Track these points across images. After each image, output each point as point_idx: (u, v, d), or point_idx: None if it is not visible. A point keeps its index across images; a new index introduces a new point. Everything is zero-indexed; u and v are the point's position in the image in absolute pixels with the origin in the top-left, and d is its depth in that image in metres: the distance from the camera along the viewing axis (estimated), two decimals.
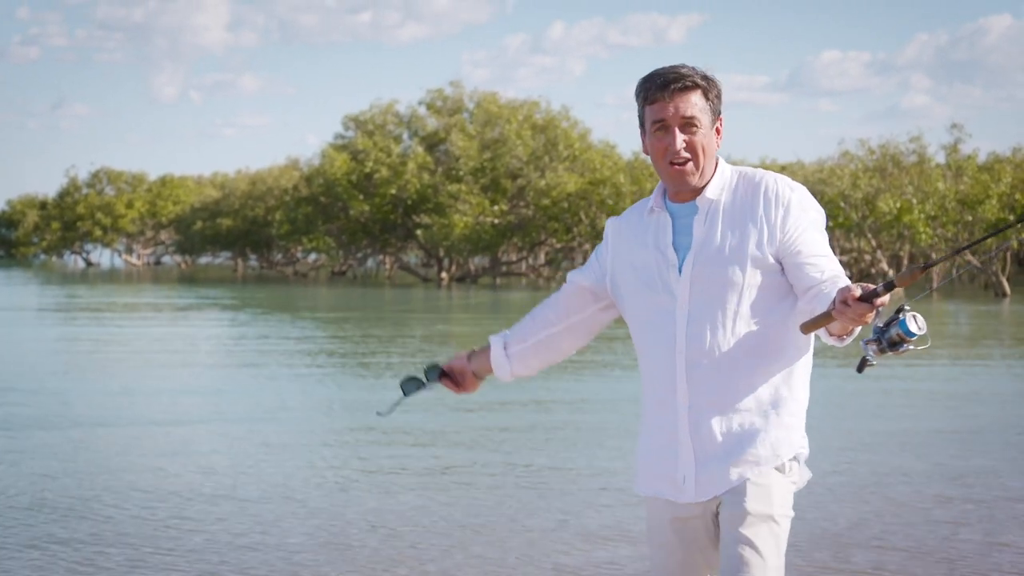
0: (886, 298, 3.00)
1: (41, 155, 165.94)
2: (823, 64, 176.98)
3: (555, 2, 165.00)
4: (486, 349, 3.67)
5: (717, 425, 3.35)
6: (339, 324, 27.75)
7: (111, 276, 66.76)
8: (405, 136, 58.98)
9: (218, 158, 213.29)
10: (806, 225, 3.32)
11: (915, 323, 2.98)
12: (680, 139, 3.33)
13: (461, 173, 54.44)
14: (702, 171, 3.36)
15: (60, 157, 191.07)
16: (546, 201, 52.33)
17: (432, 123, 57.67)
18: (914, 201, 43.37)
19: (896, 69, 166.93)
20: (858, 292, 2.99)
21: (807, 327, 3.16)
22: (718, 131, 3.40)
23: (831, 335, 3.18)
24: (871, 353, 3.08)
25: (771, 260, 3.31)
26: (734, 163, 3.50)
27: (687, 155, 3.34)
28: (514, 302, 38.47)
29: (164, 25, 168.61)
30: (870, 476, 9.16)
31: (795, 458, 3.39)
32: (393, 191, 56.23)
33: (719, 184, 3.39)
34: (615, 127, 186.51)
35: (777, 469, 3.36)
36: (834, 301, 3.05)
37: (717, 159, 3.44)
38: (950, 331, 25.41)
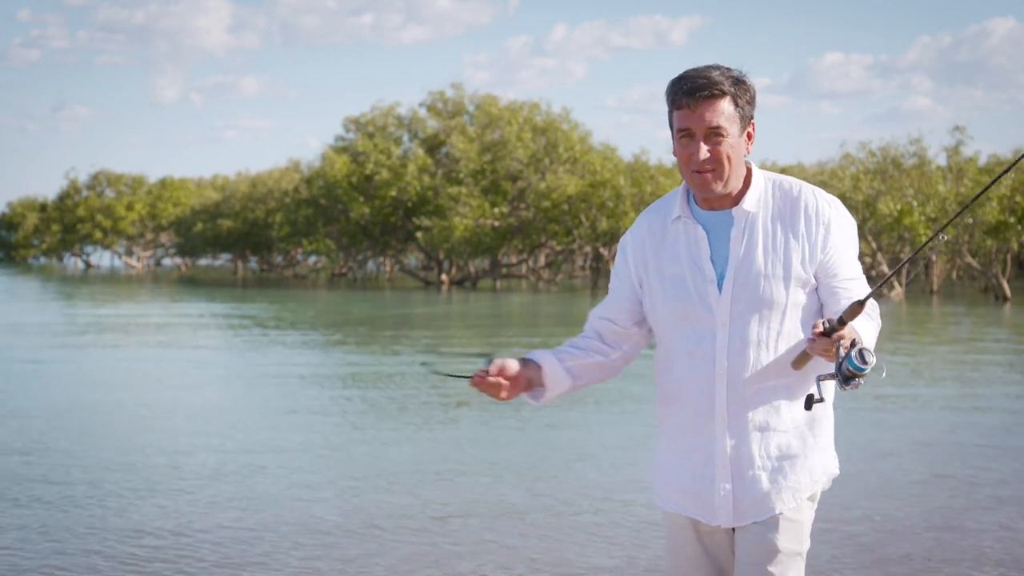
0: (844, 331, 3.06)
1: (41, 157, 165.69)
2: (825, 66, 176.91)
3: (557, 4, 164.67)
4: (533, 363, 3.43)
5: (757, 448, 3.30)
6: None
7: (112, 279, 66.73)
8: (405, 138, 58.99)
9: (219, 161, 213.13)
10: (843, 245, 3.30)
11: (862, 358, 3.02)
12: (704, 149, 3.25)
13: (461, 175, 54.43)
14: (727, 180, 3.28)
15: (60, 159, 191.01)
16: (546, 203, 52.32)
17: (432, 125, 57.67)
18: (915, 203, 43.35)
19: (898, 71, 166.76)
20: (820, 328, 3.07)
21: (796, 364, 3.23)
22: (749, 136, 3.32)
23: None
24: (820, 390, 3.14)
25: (812, 279, 3.28)
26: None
27: (711, 165, 3.26)
28: (515, 304, 38.45)
29: (165, 27, 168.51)
30: (864, 487, 9.14)
31: (828, 480, 3.40)
32: (393, 193, 56.22)
33: (755, 196, 3.32)
34: (616, 129, 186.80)
35: (810, 498, 3.35)
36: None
37: (750, 166, 3.36)
38: (946, 345, 25.37)
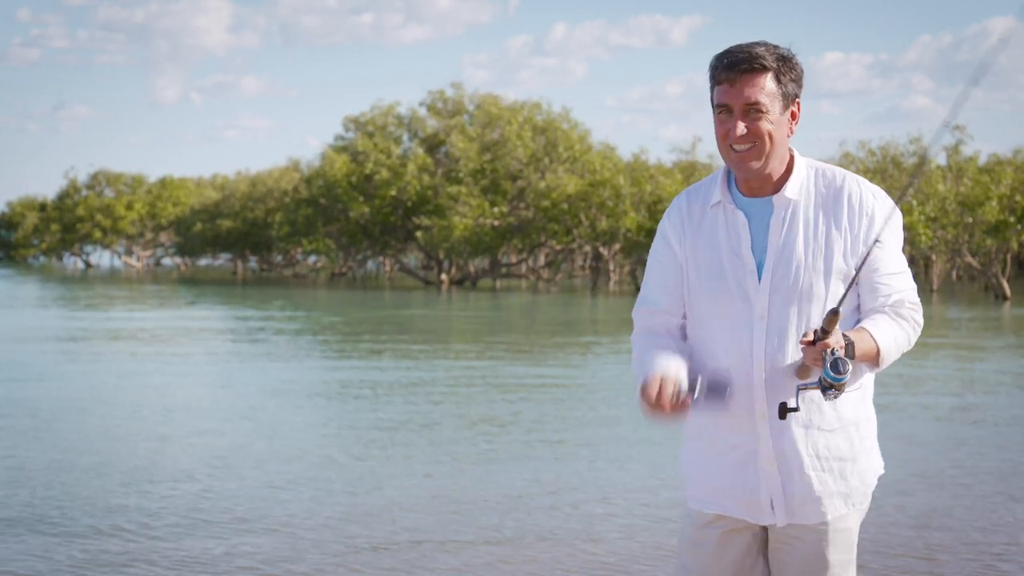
0: (831, 339, 2.99)
1: (41, 157, 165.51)
2: (825, 66, 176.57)
3: (557, 3, 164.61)
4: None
5: (804, 446, 3.18)
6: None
7: (112, 279, 66.72)
8: (405, 138, 58.96)
9: (219, 160, 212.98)
10: (886, 237, 3.17)
11: (836, 368, 2.96)
12: (741, 125, 3.12)
13: (461, 175, 54.41)
14: (767, 158, 3.15)
15: (60, 159, 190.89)
16: (546, 203, 52.29)
17: (432, 125, 57.65)
18: (914, 203, 43.33)
19: (898, 71, 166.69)
20: (810, 337, 3.00)
21: (799, 373, 3.13)
22: (793, 115, 3.18)
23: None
24: (797, 399, 3.09)
25: (853, 273, 3.15)
26: None
27: (748, 142, 3.13)
28: (515, 306, 38.42)
29: (165, 27, 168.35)
30: None
31: (877, 480, 3.32)
32: (393, 193, 56.20)
33: (797, 183, 3.19)
34: (615, 129, 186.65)
35: (863, 499, 3.27)
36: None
37: (792, 151, 3.23)
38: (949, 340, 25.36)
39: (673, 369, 3.12)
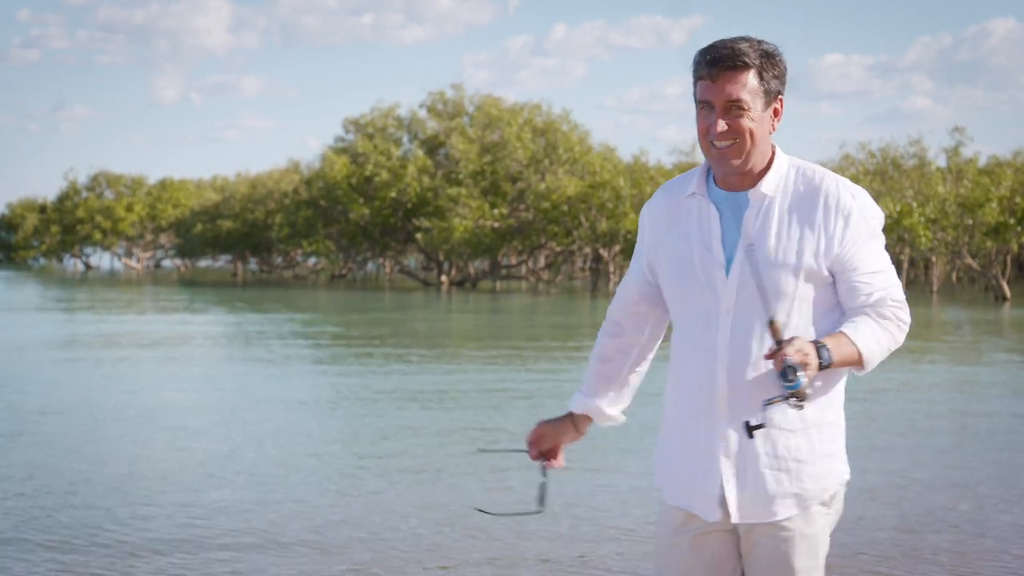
0: (787, 349, 2.96)
1: (41, 157, 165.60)
2: (825, 67, 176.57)
3: (557, 4, 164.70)
4: (578, 416, 3.46)
5: (762, 445, 3.14)
6: None
7: (111, 281, 66.72)
8: (405, 139, 58.99)
9: (219, 161, 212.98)
10: (865, 237, 3.14)
11: (785, 376, 2.93)
12: (722, 123, 3.10)
13: (461, 176, 54.42)
14: (747, 155, 3.13)
15: (60, 159, 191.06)
16: (546, 204, 52.30)
17: (432, 126, 57.67)
18: (914, 204, 43.30)
19: (898, 71, 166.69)
20: (769, 351, 2.99)
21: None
22: (776, 112, 3.16)
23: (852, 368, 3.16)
24: (764, 415, 3.06)
25: (825, 272, 3.12)
26: None
27: (729, 138, 3.11)
28: (515, 308, 38.38)
29: (165, 27, 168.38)
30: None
31: (839, 486, 3.25)
32: (393, 194, 56.23)
33: (775, 179, 3.17)
34: (615, 130, 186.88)
35: (823, 503, 3.20)
36: None
37: (774, 148, 3.21)
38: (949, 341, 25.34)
39: (556, 432, 3.48)
